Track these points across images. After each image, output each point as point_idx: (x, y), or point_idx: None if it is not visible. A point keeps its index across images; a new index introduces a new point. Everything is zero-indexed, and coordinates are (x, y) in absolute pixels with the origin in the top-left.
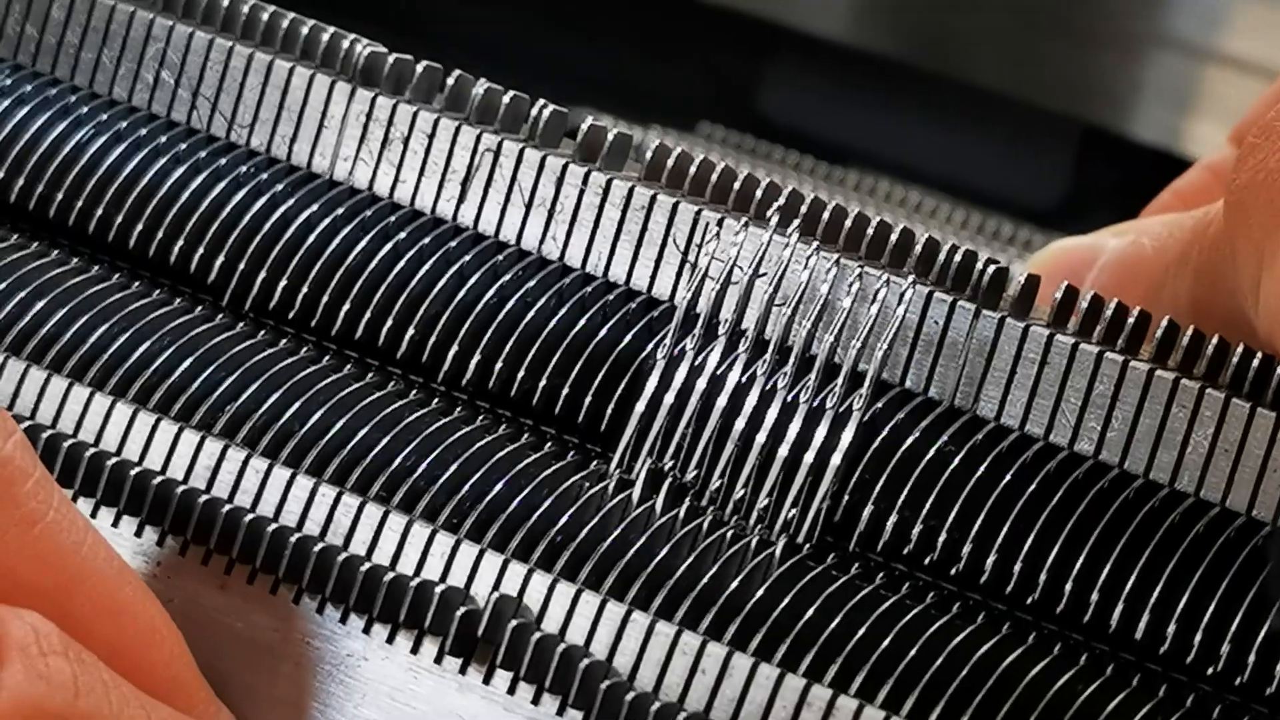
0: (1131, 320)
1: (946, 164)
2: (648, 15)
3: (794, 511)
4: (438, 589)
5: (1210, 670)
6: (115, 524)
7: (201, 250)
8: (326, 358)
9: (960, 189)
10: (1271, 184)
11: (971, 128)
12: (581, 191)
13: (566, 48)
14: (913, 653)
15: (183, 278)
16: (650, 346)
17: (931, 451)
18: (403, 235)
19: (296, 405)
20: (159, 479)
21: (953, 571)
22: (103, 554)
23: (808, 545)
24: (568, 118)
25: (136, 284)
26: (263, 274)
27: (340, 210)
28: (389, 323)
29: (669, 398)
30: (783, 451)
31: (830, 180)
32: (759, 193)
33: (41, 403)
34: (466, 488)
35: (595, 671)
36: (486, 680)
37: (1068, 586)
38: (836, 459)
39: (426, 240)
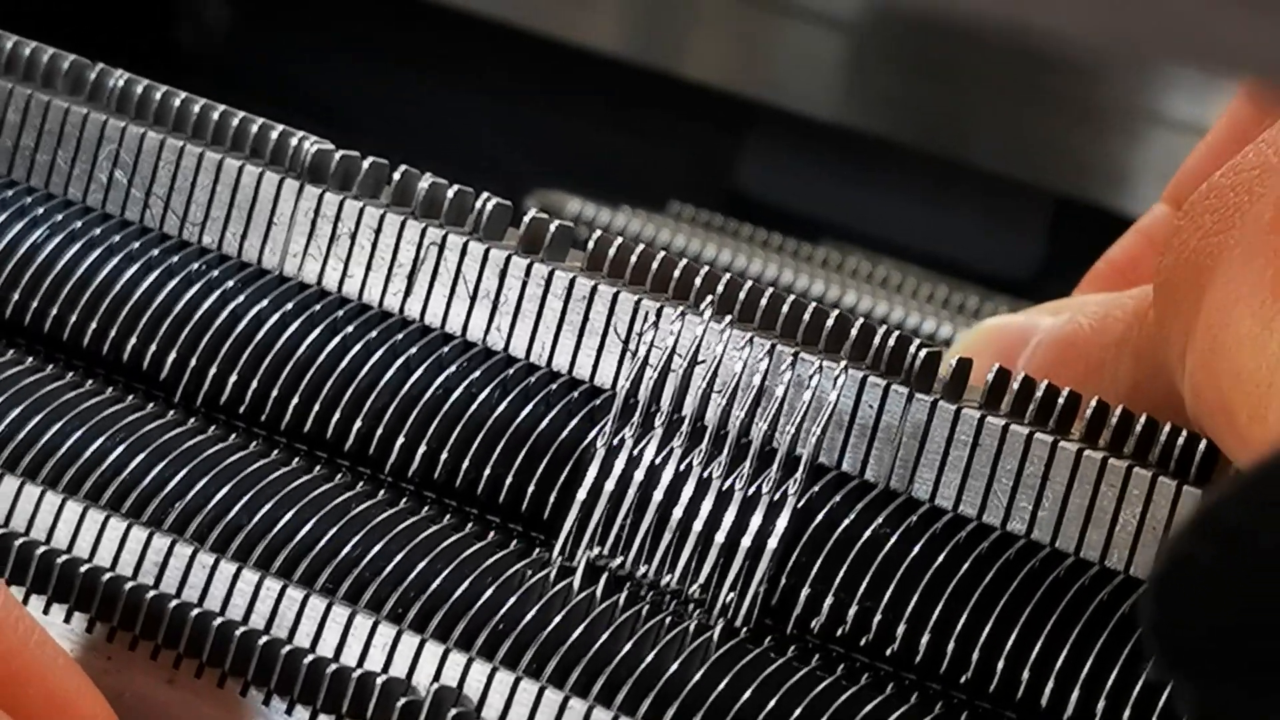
0: (1062, 400)
1: (927, 238)
2: (622, 93)
3: (732, 595)
4: (379, 680)
5: None
6: (67, 619)
7: (154, 347)
8: (276, 451)
9: (945, 264)
10: (1192, 264)
11: (958, 203)
12: (525, 283)
13: (540, 126)
14: None
15: (135, 374)
16: (592, 435)
17: (867, 534)
18: (350, 329)
19: (245, 499)
20: (108, 575)
21: (888, 652)
22: (49, 650)
23: (745, 628)
24: (511, 210)
25: (90, 381)
26: (213, 369)
27: (289, 305)
28: (337, 415)
29: (609, 485)
30: (720, 536)
31: (799, 257)
32: (698, 280)
33: None
34: (410, 578)
35: None
36: None
37: (999, 664)
38: (773, 542)
39: (373, 334)
